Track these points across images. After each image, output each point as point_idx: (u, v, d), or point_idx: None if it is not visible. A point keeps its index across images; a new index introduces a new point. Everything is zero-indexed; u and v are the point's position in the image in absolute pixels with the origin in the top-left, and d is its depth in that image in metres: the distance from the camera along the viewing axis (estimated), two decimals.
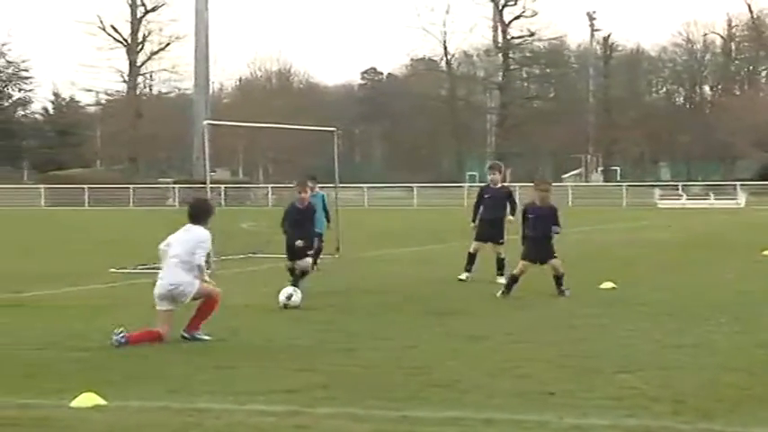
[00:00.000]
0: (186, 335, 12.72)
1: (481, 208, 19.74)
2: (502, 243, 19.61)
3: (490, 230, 19.55)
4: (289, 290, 15.95)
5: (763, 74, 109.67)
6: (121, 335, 12.24)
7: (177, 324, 12.83)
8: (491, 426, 8.37)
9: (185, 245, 12.98)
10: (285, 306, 15.61)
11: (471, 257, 19.58)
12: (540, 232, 17.01)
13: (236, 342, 12.66)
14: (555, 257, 17.12)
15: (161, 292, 12.91)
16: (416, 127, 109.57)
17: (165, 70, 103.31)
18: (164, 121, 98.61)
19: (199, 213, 13.31)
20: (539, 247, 17.00)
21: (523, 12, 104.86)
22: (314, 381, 10.09)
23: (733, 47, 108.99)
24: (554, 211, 17.22)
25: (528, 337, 12.79)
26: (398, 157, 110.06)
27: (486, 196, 19.72)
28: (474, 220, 19.82)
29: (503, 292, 17.07)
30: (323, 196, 23.32)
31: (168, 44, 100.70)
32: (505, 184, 20.82)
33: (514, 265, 17.09)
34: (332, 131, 29.66)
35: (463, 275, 19.41)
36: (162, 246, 13.36)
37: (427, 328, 13.66)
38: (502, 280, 19.20)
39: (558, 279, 17.15)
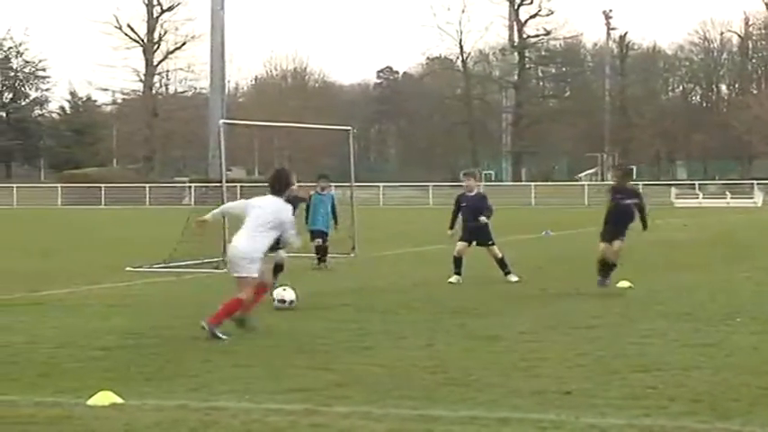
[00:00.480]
0: (205, 326, 12.67)
1: (460, 216, 19.77)
2: (492, 245, 19.67)
3: (476, 234, 19.64)
4: (285, 292, 15.70)
5: None
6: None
7: (187, 318, 12.84)
8: (507, 425, 8.37)
9: (266, 216, 13.07)
10: (291, 303, 15.47)
11: (458, 261, 19.49)
12: (629, 218, 17.48)
13: (254, 341, 12.66)
14: (621, 240, 17.42)
15: (230, 254, 13.19)
16: (432, 126, 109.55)
17: (180, 69, 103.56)
18: (179, 121, 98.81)
19: (277, 183, 13.40)
20: (617, 228, 17.39)
21: (539, 11, 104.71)
22: (330, 379, 10.10)
23: (750, 45, 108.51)
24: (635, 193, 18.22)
25: (544, 336, 12.78)
26: (414, 156, 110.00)
27: (463, 204, 19.71)
28: (451, 227, 19.83)
29: (602, 281, 17.46)
30: (332, 196, 23.37)
31: (184, 43, 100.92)
32: (480, 184, 20.76)
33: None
34: (347, 130, 29.66)
35: (453, 279, 19.35)
36: (234, 204, 13.42)
37: (443, 327, 13.65)
38: (513, 278, 19.24)
39: (607, 266, 17.40)
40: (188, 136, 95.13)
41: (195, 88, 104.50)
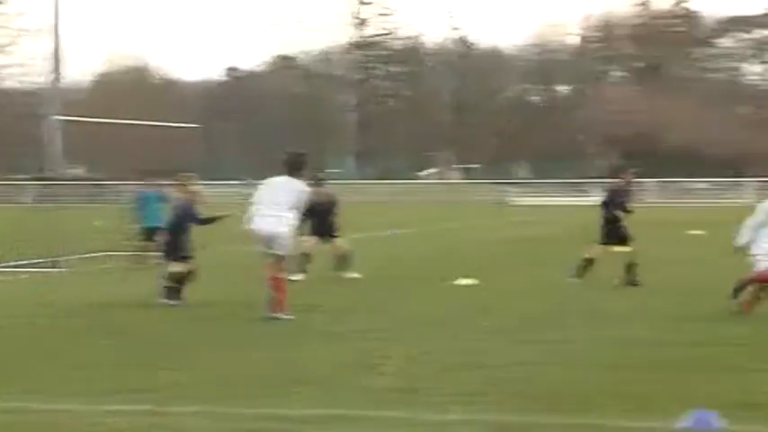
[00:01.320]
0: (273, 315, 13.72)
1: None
2: (336, 236, 19.92)
3: (322, 227, 19.88)
4: None
5: (614, 73, 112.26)
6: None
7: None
8: (344, 421, 8.42)
9: (288, 194, 13.80)
10: None
11: (306, 256, 19.57)
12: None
13: (96, 341, 12.45)
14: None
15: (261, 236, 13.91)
16: (275, 125, 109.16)
17: (16, 65, 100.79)
18: (10, 117, 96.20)
19: (294, 165, 14.13)
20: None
21: (381, 11, 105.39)
22: (174, 379, 10.00)
23: (587, 47, 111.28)
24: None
25: (387, 334, 12.83)
26: (257, 154, 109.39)
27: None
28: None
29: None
30: (157, 194, 23.13)
31: (18, 37, 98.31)
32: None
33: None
34: (191, 128, 29.41)
35: (298, 276, 19.07)
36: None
37: (285, 326, 13.62)
38: (352, 274, 19.32)
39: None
40: (22, 133, 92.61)
41: (30, 84, 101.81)
